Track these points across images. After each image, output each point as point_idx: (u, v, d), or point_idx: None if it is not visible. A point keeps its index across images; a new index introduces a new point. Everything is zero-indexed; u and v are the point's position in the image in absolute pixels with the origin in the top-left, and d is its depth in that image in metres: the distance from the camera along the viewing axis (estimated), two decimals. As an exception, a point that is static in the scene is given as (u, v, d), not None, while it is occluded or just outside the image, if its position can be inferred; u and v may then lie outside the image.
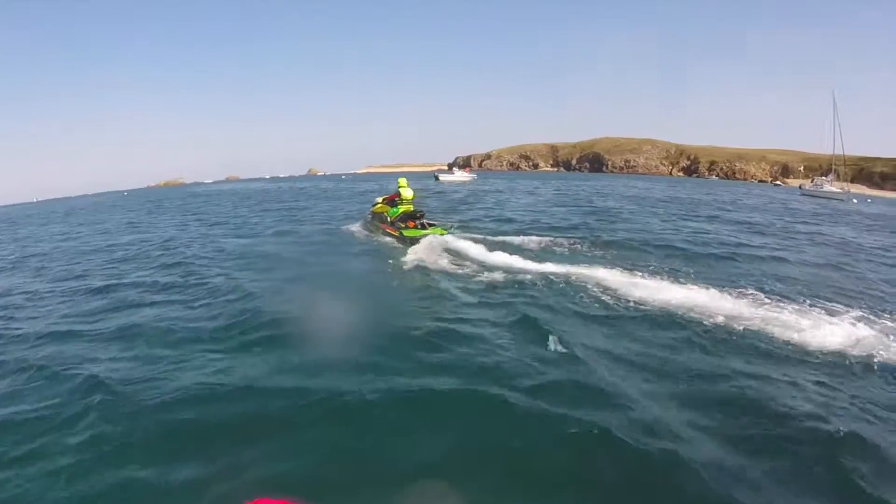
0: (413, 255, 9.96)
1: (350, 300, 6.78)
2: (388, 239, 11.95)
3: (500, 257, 9.30)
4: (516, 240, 11.32)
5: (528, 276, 8.01)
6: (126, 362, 5.13)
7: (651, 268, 8.40)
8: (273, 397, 4.16)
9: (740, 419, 3.87)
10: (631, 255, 9.85)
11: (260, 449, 3.50)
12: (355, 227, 14.26)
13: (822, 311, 6.16)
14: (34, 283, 9.98)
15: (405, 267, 9.21)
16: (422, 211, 12.30)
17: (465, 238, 11.07)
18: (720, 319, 5.87)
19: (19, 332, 6.54)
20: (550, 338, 5.23)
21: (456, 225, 13.18)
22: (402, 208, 12.22)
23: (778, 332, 5.50)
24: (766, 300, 6.57)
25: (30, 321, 7.10)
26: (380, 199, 13.50)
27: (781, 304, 6.38)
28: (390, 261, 9.76)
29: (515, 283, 7.75)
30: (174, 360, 5.07)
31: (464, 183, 46.40)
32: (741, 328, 5.63)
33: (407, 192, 12.34)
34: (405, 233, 11.43)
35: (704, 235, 13.27)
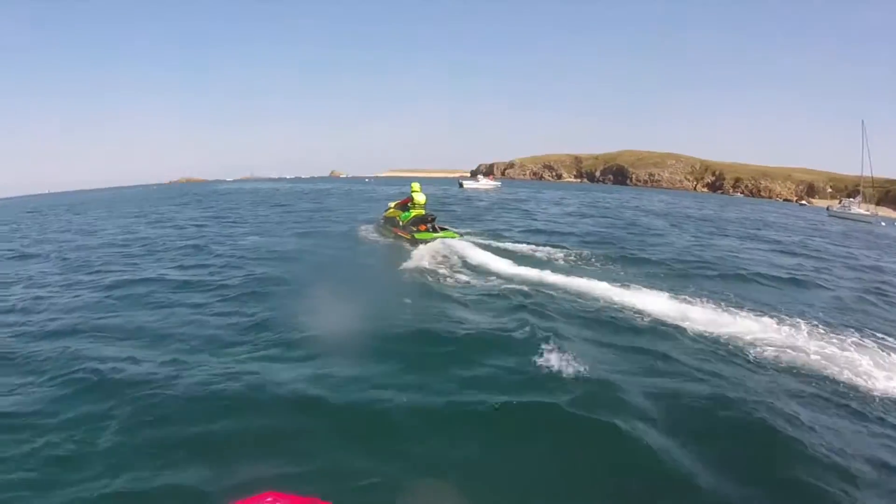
0: (422, 258, 10.05)
1: (356, 302, 6.95)
2: (399, 242, 12.12)
3: (510, 265, 9.23)
4: (538, 251, 11.05)
5: (539, 286, 7.96)
6: (148, 358, 5.23)
7: (690, 290, 7.89)
8: (279, 398, 4.26)
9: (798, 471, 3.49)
10: (659, 272, 9.65)
11: (270, 449, 3.60)
12: (369, 230, 14.50)
13: (880, 347, 5.69)
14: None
15: (413, 269, 9.26)
16: (433, 215, 12.64)
17: (477, 244, 11.21)
18: (770, 352, 5.41)
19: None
20: (544, 346, 5.19)
21: (468, 231, 13.22)
22: (414, 212, 12.49)
23: (837, 372, 4.98)
24: (818, 331, 6.12)
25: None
26: (392, 204, 13.72)
27: (834, 337, 5.93)
28: (401, 263, 9.76)
29: (524, 290, 7.70)
30: (188, 358, 5.21)
31: (488, 191, 46.35)
32: (800, 365, 5.13)
33: (419, 197, 12.65)
34: (417, 236, 11.68)
35: (741, 256, 12.88)
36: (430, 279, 8.58)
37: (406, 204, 12.87)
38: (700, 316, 6.51)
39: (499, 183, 58.97)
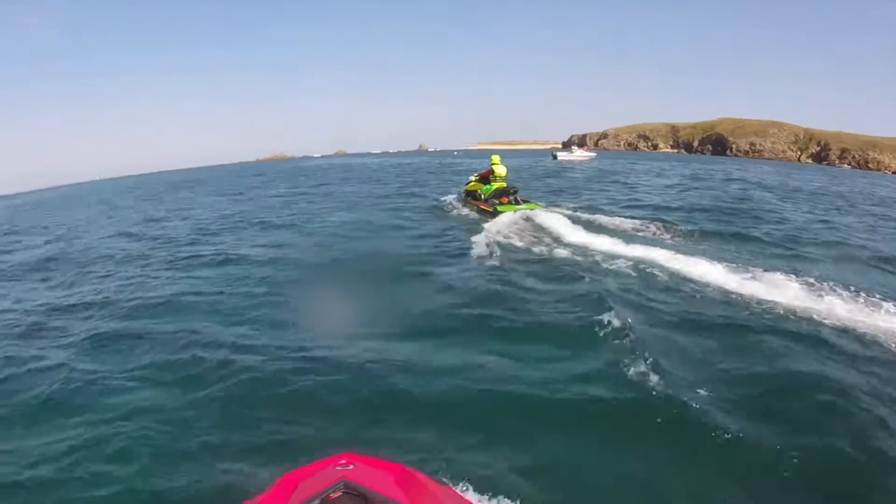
0: (503, 229, 10.00)
1: (434, 281, 7.11)
2: (482, 214, 11.99)
3: (608, 241, 8.61)
4: (639, 227, 10.20)
5: (630, 263, 7.45)
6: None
7: (816, 274, 6.61)
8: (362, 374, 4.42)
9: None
10: (779, 252, 8.55)
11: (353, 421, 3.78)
12: (452, 202, 14.61)
13: None
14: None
15: (497, 242, 9.12)
16: (515, 187, 12.44)
17: (567, 216, 10.78)
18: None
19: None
20: (632, 338, 4.73)
21: (556, 203, 12.81)
22: (495, 185, 12.37)
23: None
24: None
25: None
26: (473, 177, 13.62)
27: None
28: (483, 236, 9.65)
29: (622, 269, 7.25)
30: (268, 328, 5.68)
31: (583, 162, 44.67)
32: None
33: (500, 169, 12.49)
34: (500, 208, 11.56)
35: (872, 237, 10.95)
36: (514, 253, 8.45)
37: (487, 177, 12.70)
38: (839, 310, 5.35)
39: (594, 154, 56.66)
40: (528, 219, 10.67)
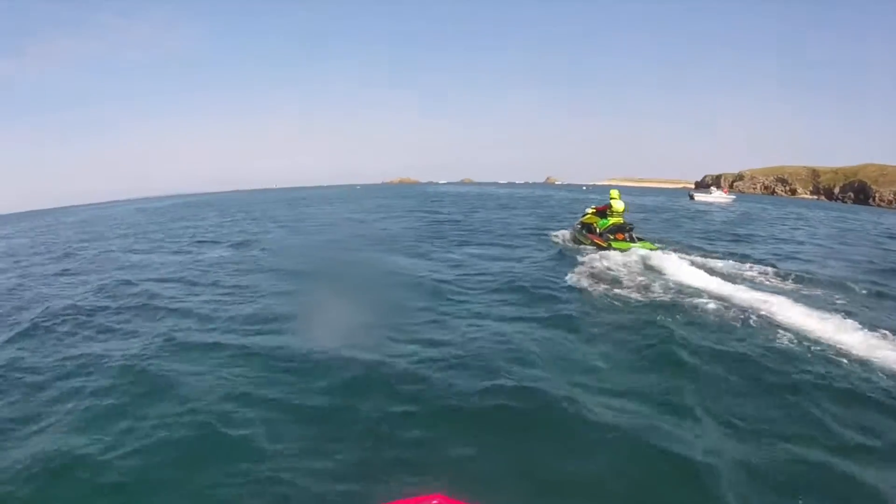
0: (618, 266, 10.16)
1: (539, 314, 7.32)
2: (595, 249, 12.16)
3: (718, 285, 8.43)
4: (755, 272, 9.86)
5: (755, 316, 6.86)
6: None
7: None
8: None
9: None
10: None
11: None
12: (564, 235, 15.04)
13: None
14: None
15: (607, 278, 9.36)
16: (632, 224, 12.48)
17: (680, 257, 10.60)
18: None
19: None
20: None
21: (665, 245, 12.72)
22: (612, 220, 12.50)
23: None
24: None
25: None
26: (590, 210, 13.81)
27: None
28: (582, 267, 10.04)
29: (736, 319, 6.83)
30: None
31: (722, 205, 42.16)
32: None
33: (618, 204, 12.64)
34: (614, 244, 11.69)
35: None
36: (609, 286, 8.71)
37: (604, 211, 12.87)
38: None
39: (734, 196, 53.01)
40: (640, 257, 10.72)
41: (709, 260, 10.94)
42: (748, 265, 10.50)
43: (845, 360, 5.37)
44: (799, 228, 22.53)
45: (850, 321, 6.38)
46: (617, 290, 8.47)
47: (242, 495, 3.38)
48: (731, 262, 10.72)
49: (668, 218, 25.09)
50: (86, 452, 3.86)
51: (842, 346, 5.68)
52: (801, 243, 16.46)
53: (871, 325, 6.22)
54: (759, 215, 30.66)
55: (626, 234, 12.03)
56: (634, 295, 8.15)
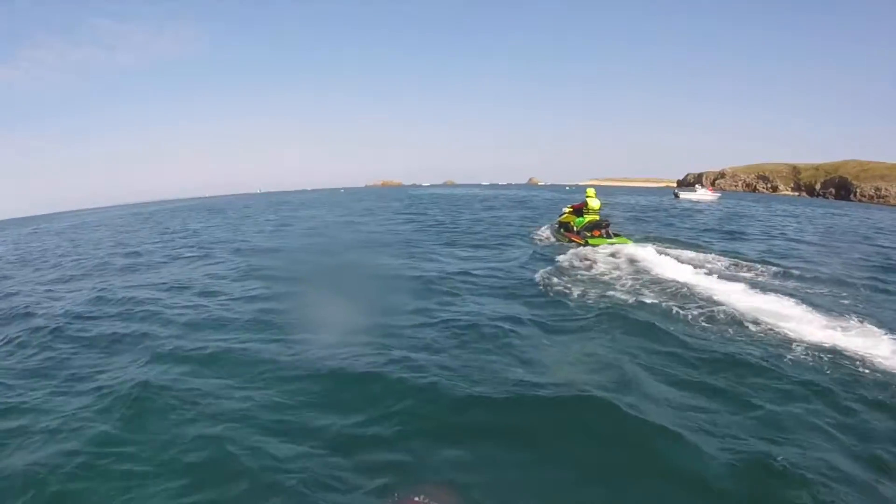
0: (595, 263, 10.34)
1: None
2: (572, 246, 12.55)
3: (702, 280, 8.53)
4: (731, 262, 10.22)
5: (739, 314, 6.79)
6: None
7: None
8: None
9: None
10: None
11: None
12: (544, 234, 15.44)
13: None
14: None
15: (587, 276, 9.51)
16: (608, 220, 12.96)
17: (656, 250, 10.87)
18: None
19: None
20: None
21: (644, 236, 13.03)
22: (588, 217, 12.96)
23: None
24: None
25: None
26: (567, 209, 14.21)
27: None
28: (574, 269, 10.10)
29: (718, 315, 6.79)
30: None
31: (707, 203, 42.76)
32: None
33: (594, 202, 13.18)
34: (591, 241, 12.17)
35: None
36: (592, 284, 8.77)
37: (581, 209, 13.34)
38: None
39: (718, 194, 53.94)
40: (615, 252, 11.06)
41: (700, 254, 11.23)
42: (739, 261, 10.55)
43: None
44: (789, 225, 23.00)
45: (870, 327, 6.19)
46: (593, 287, 8.59)
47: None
48: (725, 258, 10.76)
49: (657, 217, 24.97)
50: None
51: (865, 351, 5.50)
52: (797, 241, 16.31)
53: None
54: (748, 212, 31.11)
55: (603, 231, 12.47)
56: (612, 292, 8.21)
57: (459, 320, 6.87)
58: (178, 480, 3.62)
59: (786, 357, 5.38)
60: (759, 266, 10.04)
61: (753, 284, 8.28)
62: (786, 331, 6.10)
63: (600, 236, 12.27)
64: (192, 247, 17.08)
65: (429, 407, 4.45)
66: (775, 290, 7.82)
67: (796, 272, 9.56)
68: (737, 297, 7.43)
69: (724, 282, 8.29)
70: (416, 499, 1.93)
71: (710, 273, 9.05)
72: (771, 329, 6.21)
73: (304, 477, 3.55)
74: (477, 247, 13.78)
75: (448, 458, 3.78)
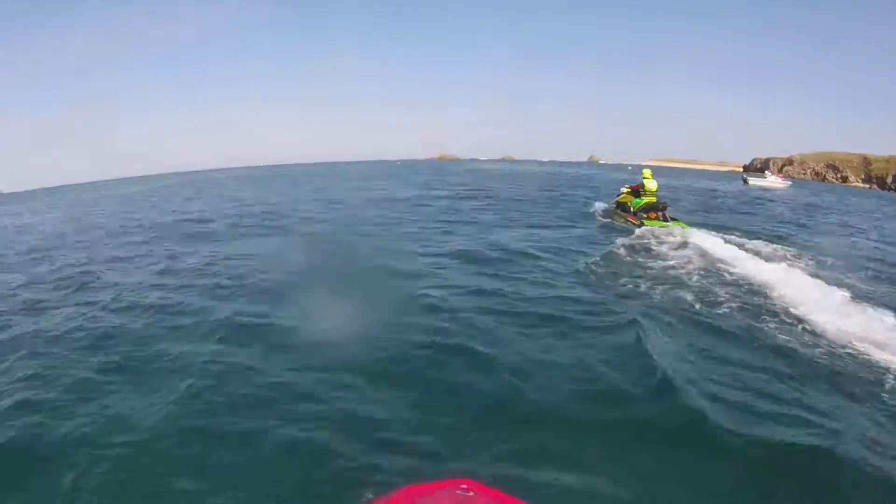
0: (651, 245, 10.72)
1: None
2: (628, 227, 13.06)
3: (763, 267, 8.45)
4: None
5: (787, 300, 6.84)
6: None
7: None
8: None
9: None
10: None
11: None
12: (602, 212, 16.00)
13: None
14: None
15: (635, 255, 9.88)
16: (665, 203, 13.27)
17: (714, 236, 11.10)
18: None
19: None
20: None
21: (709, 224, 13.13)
22: (645, 199, 13.37)
23: None
24: None
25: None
26: (625, 189, 14.59)
27: None
28: (630, 253, 10.17)
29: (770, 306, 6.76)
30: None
31: (778, 191, 40.84)
32: None
33: (651, 184, 13.47)
34: (646, 222, 12.68)
35: None
36: (650, 265, 9.01)
37: (638, 190, 13.75)
38: None
39: (790, 182, 51.38)
40: (670, 234, 11.51)
41: (740, 238, 11.17)
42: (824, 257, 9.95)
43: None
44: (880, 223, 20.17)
45: None
46: (651, 266, 8.89)
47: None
48: (803, 255, 10.15)
49: (726, 205, 23.51)
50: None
51: None
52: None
53: None
54: (830, 205, 27.98)
55: (659, 213, 12.90)
56: (673, 272, 8.47)
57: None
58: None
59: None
60: (850, 273, 8.77)
61: (855, 294, 6.95)
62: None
63: (656, 218, 12.69)
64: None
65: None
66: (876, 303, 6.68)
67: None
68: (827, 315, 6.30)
69: (807, 286, 7.40)
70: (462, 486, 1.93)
71: (787, 271, 8.20)
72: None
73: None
74: (542, 227, 13.99)
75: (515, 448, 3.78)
